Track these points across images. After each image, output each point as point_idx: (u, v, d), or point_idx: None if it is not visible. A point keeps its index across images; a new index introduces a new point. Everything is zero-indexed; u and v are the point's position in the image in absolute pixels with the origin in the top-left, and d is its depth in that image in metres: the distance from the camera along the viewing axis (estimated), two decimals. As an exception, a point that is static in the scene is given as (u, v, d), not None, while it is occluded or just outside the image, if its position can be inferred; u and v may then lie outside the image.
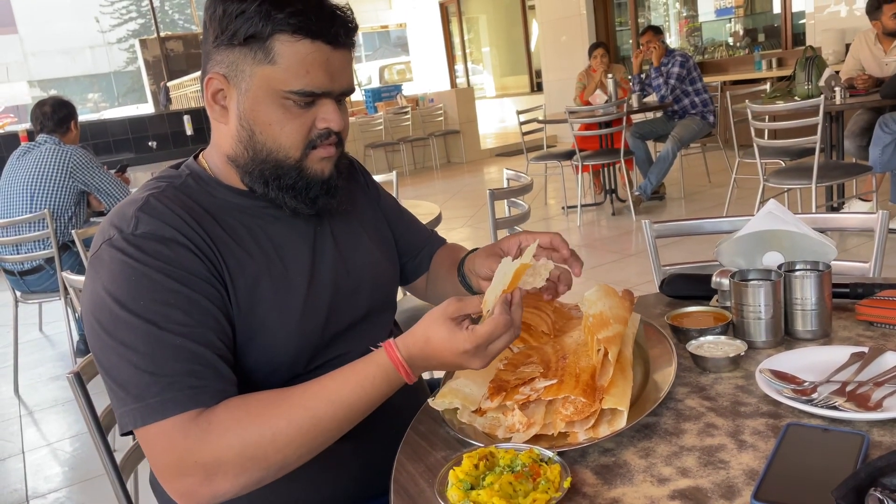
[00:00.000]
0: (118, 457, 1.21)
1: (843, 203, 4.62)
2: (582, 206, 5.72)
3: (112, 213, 0.98)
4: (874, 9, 4.53)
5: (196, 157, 1.09)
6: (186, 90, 9.99)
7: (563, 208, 6.13)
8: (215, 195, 1.03)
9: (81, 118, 3.86)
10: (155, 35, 11.84)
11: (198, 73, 8.89)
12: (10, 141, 6.41)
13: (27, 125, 7.51)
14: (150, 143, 7.40)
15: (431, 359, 0.89)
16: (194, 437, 0.85)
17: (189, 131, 7.54)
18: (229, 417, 0.86)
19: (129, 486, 1.32)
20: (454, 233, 5.90)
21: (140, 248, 0.92)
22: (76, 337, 3.74)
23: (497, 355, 0.89)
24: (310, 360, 1.05)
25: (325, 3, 0.97)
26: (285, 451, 0.87)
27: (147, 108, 12.62)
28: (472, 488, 0.76)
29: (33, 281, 3.54)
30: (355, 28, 1.01)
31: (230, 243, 0.99)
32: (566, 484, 0.76)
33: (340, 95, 1.01)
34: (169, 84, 10.84)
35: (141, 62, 12.59)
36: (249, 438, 0.85)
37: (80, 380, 1.17)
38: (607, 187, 5.95)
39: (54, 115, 3.60)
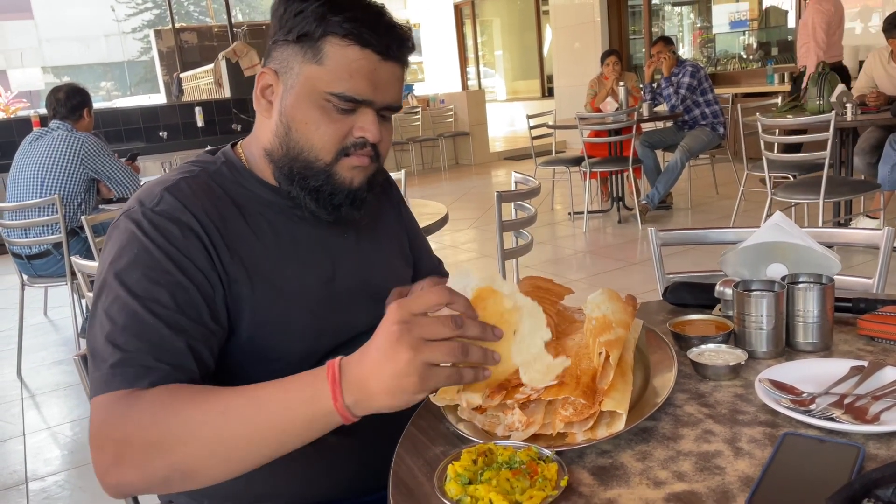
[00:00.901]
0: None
1: (851, 220, 4.62)
2: (588, 212, 5.73)
3: (141, 189, 1.01)
4: (891, 27, 4.54)
5: (234, 146, 1.10)
6: (199, 82, 10.02)
7: (569, 214, 6.14)
8: (246, 186, 1.04)
9: (94, 106, 3.89)
10: (170, 26, 11.89)
11: (210, 66, 8.92)
12: (23, 126, 6.46)
13: (40, 110, 7.55)
14: (161, 134, 7.44)
15: (364, 361, 0.77)
16: (117, 412, 0.82)
17: (200, 123, 7.58)
18: (154, 399, 0.83)
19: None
20: (460, 234, 5.92)
21: (153, 224, 0.93)
22: (81, 322, 3.76)
23: (432, 352, 0.74)
24: (317, 362, 1.05)
25: (384, 16, 0.98)
26: (190, 448, 0.79)
27: (159, 99, 12.67)
28: (470, 483, 0.77)
29: (41, 265, 3.57)
30: (411, 47, 1.01)
31: (249, 237, 1.00)
32: (563, 483, 0.77)
33: (384, 109, 1.00)
34: (182, 75, 10.88)
35: (155, 52, 12.64)
36: (159, 422, 0.80)
37: (86, 362, 1.18)
38: (614, 195, 5.95)
39: (67, 101, 3.63)
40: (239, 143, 1.10)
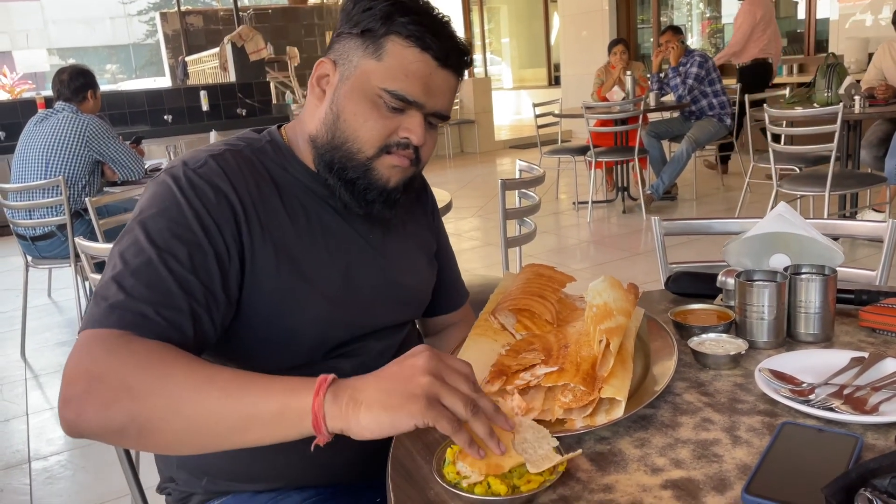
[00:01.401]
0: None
1: (856, 213, 4.60)
2: (593, 202, 5.72)
3: (187, 152, 1.03)
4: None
5: (279, 128, 1.11)
6: (204, 66, 10.00)
7: (573, 203, 6.13)
8: (286, 168, 1.06)
9: (99, 88, 3.89)
10: (175, 9, 11.85)
11: (215, 50, 8.90)
12: (28, 107, 6.46)
13: (45, 92, 7.55)
14: (165, 117, 7.44)
15: (370, 376, 0.77)
16: (104, 348, 0.81)
17: (205, 107, 7.57)
18: (145, 348, 0.82)
19: (131, 452, 1.35)
20: (464, 222, 5.91)
21: (191, 182, 0.95)
22: (85, 303, 3.77)
23: (449, 391, 0.74)
24: (329, 350, 1.06)
25: (448, 26, 1.01)
26: (158, 401, 0.77)
27: (164, 82, 12.65)
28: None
29: (45, 247, 3.58)
30: (468, 61, 1.04)
31: (283, 217, 1.01)
32: (560, 468, 0.77)
33: (433, 115, 1.01)
34: (187, 59, 10.86)
35: (160, 35, 12.60)
36: (141, 368, 0.79)
37: (88, 342, 1.19)
38: (619, 185, 5.94)
39: (71, 83, 3.63)
40: (283, 126, 1.12)
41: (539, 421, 0.90)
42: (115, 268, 0.89)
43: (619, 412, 0.88)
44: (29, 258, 3.66)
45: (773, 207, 4.05)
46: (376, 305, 1.10)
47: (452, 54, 1.00)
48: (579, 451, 0.80)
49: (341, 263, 1.05)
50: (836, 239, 1.26)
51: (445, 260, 1.30)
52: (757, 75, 6.45)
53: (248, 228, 0.97)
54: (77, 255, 3.26)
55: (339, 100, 1.00)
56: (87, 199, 2.92)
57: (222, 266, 0.94)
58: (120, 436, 0.79)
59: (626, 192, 5.91)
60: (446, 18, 1.02)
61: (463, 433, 0.74)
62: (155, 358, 0.80)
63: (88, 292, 3.75)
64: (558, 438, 0.83)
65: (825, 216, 3.96)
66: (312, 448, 0.76)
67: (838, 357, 1.00)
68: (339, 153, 1.01)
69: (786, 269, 1.14)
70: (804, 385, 0.94)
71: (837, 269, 1.14)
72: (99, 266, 2.15)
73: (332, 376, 0.77)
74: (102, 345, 0.81)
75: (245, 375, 0.79)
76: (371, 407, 0.73)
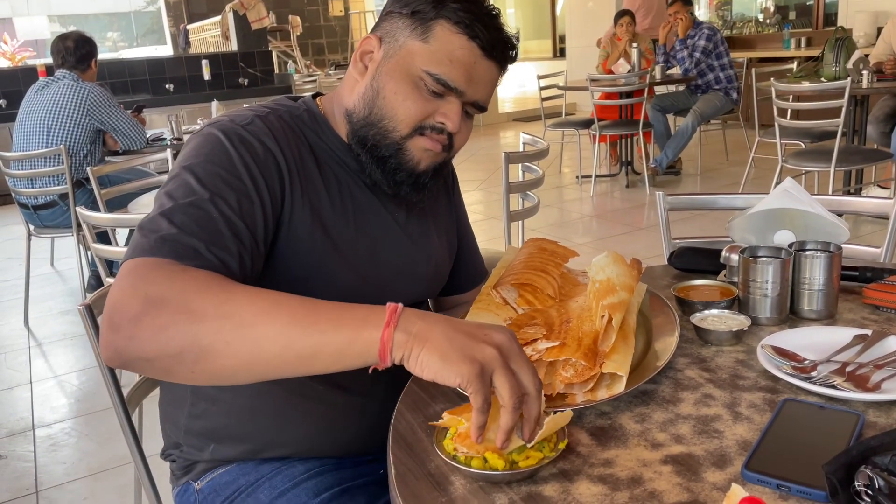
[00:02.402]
0: (125, 391, 1.24)
1: (861, 189, 4.58)
2: (596, 176, 5.69)
3: (231, 111, 1.03)
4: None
5: (313, 99, 1.11)
6: (206, 34, 9.89)
7: (577, 177, 6.10)
8: (322, 139, 1.06)
9: (101, 57, 3.85)
10: (177, -24, 11.69)
11: (217, 18, 8.79)
12: (29, 75, 6.40)
13: (46, 60, 7.48)
14: (167, 86, 7.38)
15: (441, 319, 0.75)
16: (163, 272, 0.79)
17: (207, 76, 7.51)
18: (207, 275, 0.80)
19: (135, 419, 1.36)
20: (467, 195, 5.88)
21: (240, 136, 0.96)
22: (87, 273, 3.78)
23: (504, 370, 0.73)
24: None
25: (497, 18, 1.01)
26: (226, 324, 0.74)
27: (166, 51, 12.52)
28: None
29: (47, 216, 3.57)
30: (514, 55, 1.04)
31: (319, 185, 1.02)
32: (561, 445, 0.77)
33: (471, 105, 1.02)
34: (189, 27, 10.74)
35: (161, 3, 12.44)
36: (207, 293, 0.77)
37: (90, 312, 1.19)
38: (623, 159, 5.90)
39: (77, 50, 3.59)
40: (319, 97, 1.12)
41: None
42: (163, 206, 0.88)
43: (620, 387, 0.88)
44: (31, 227, 3.65)
45: (777, 182, 4.01)
46: (396, 283, 1.11)
47: (499, 46, 1.00)
48: (569, 411, 0.78)
49: (367, 238, 1.06)
50: (840, 215, 1.25)
51: (465, 240, 1.31)
52: None
53: (291, 189, 0.98)
54: (79, 225, 3.27)
55: (381, 77, 1.01)
56: (88, 168, 2.91)
57: (266, 219, 0.94)
58: (175, 360, 0.75)
59: (629, 167, 5.87)
60: (496, 11, 1.02)
61: (484, 416, 0.73)
62: (216, 283, 0.79)
63: (91, 261, 3.76)
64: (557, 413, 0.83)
65: (830, 192, 3.94)
66: (371, 371, 0.75)
67: (841, 334, 1.00)
68: (374, 130, 1.01)
69: (790, 245, 1.13)
70: (806, 362, 0.93)
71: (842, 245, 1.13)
72: (101, 236, 2.15)
73: (400, 305, 0.75)
74: (158, 270, 0.80)
75: (311, 302, 0.77)
76: (432, 349, 0.72)
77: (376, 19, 1.08)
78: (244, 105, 5.14)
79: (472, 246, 1.33)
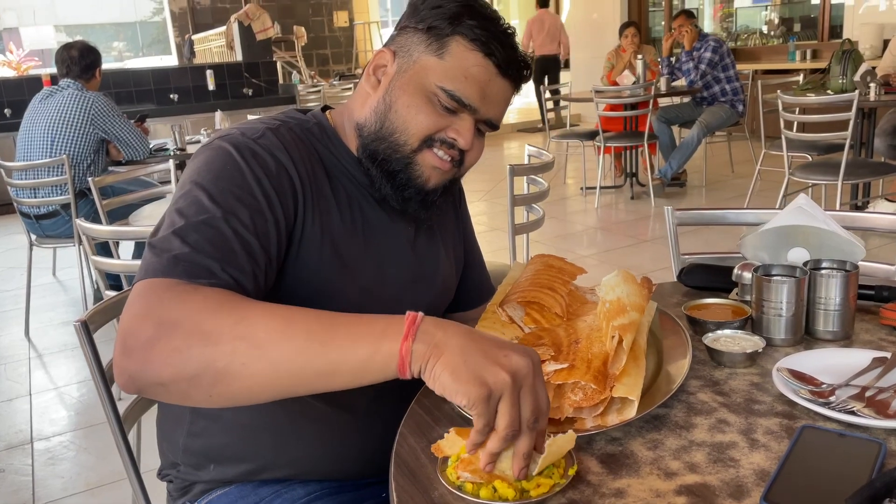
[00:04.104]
0: (121, 407, 1.21)
1: (868, 202, 4.54)
2: (601, 187, 5.67)
3: (240, 123, 1.00)
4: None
5: (323, 111, 1.09)
6: (211, 44, 9.92)
7: (581, 189, 6.07)
8: (333, 152, 1.04)
9: (106, 66, 3.85)
10: (182, -14, 11.75)
11: (222, 28, 8.82)
12: (34, 84, 6.41)
13: (51, 69, 7.50)
14: (171, 96, 7.39)
15: (458, 332, 0.72)
16: (175, 295, 0.77)
17: (211, 86, 7.52)
18: (220, 294, 0.79)
19: (132, 437, 1.33)
20: (471, 206, 5.82)
21: (251, 150, 0.93)
22: (88, 284, 3.75)
23: (511, 400, 0.70)
24: None
25: (513, 37, 1.01)
26: (241, 345, 0.73)
27: (171, 61, 12.57)
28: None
29: (49, 225, 3.56)
30: (528, 76, 1.04)
31: (330, 200, 1.00)
32: (571, 472, 0.74)
33: (484, 122, 1.01)
34: (193, 37, 10.78)
35: (167, 13, 12.49)
36: (221, 313, 0.75)
37: (86, 328, 1.17)
38: (628, 171, 5.88)
39: (82, 59, 3.58)
40: (329, 110, 1.10)
41: (549, 420, 0.87)
42: (175, 224, 0.85)
43: (631, 412, 0.85)
44: (33, 237, 3.64)
45: (784, 195, 3.97)
46: (402, 300, 1.08)
47: (514, 65, 0.99)
48: (571, 432, 0.75)
49: (375, 255, 1.04)
50: (849, 230, 1.22)
51: (471, 255, 1.29)
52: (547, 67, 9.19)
53: (304, 204, 0.96)
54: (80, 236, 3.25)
55: (394, 91, 0.99)
56: (90, 178, 2.89)
57: (279, 235, 0.92)
58: (192, 384, 0.73)
59: (634, 178, 5.85)
60: (512, 30, 1.01)
61: (482, 437, 0.71)
62: (229, 302, 0.77)
63: (91, 273, 3.74)
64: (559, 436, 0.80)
65: (838, 206, 3.91)
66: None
67: (859, 357, 0.97)
68: (385, 144, 1.00)
69: (805, 263, 1.10)
70: (824, 386, 0.90)
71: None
72: (101, 247, 2.12)
73: (419, 315, 0.73)
74: (170, 291, 0.78)
75: (328, 316, 0.75)
76: (445, 363, 0.70)
77: (381, 30, 1.07)
78: (248, 115, 5.13)
79: (479, 261, 1.31)
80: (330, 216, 0.99)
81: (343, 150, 1.05)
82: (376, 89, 1.02)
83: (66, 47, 3.63)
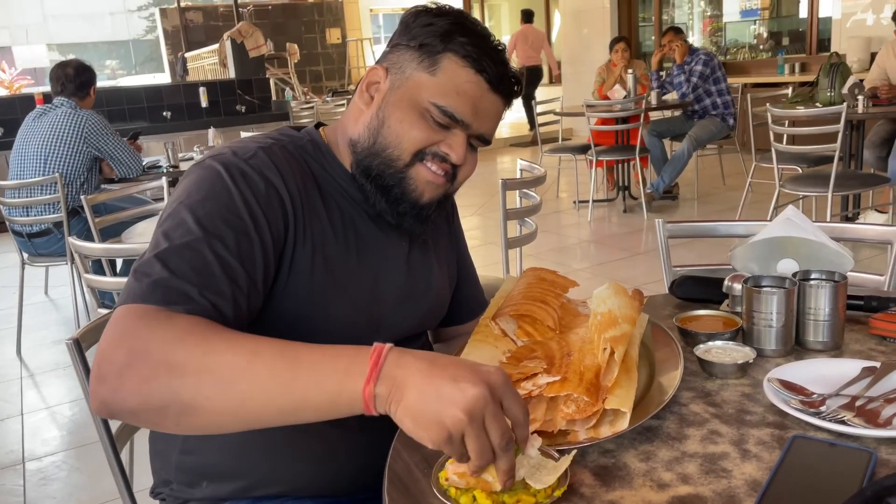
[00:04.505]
0: (114, 426, 1.21)
1: (859, 214, 4.57)
2: (594, 201, 5.69)
3: (234, 142, 1.01)
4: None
5: (316, 128, 1.10)
6: (203, 62, 9.95)
7: (574, 202, 6.10)
8: (327, 169, 1.05)
9: (99, 84, 3.86)
10: (175, 4, 11.80)
11: (215, 46, 8.84)
12: (27, 103, 6.41)
13: (44, 88, 7.50)
14: (164, 114, 7.40)
15: (418, 370, 0.71)
16: (146, 323, 0.78)
17: (204, 103, 7.53)
18: (188, 323, 0.79)
19: (124, 455, 1.32)
20: (464, 221, 5.83)
21: (241, 171, 0.94)
22: (81, 302, 3.74)
23: (478, 436, 0.70)
24: None
25: (503, 53, 1.02)
26: (205, 379, 0.73)
27: (164, 78, 12.60)
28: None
29: (41, 243, 3.55)
30: (518, 91, 1.05)
31: (323, 218, 1.00)
32: (558, 493, 0.74)
33: (476, 138, 1.02)
34: (186, 55, 10.82)
35: (160, 31, 12.56)
36: (186, 345, 0.76)
37: (78, 347, 1.17)
38: (620, 184, 5.90)
39: (77, 78, 3.58)
40: (322, 127, 1.11)
41: (541, 433, 0.87)
42: (159, 246, 0.86)
43: (623, 424, 0.85)
44: (25, 255, 3.63)
45: (775, 207, 3.99)
46: (397, 316, 1.09)
47: (505, 80, 1.01)
48: (573, 452, 0.76)
49: (369, 272, 1.05)
50: (837, 241, 1.23)
51: (464, 269, 1.29)
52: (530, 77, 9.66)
53: (294, 224, 0.96)
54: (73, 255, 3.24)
55: (387, 107, 1.00)
56: (82, 196, 2.89)
57: (266, 258, 0.92)
58: (159, 414, 0.75)
59: (626, 192, 5.88)
60: (502, 46, 1.03)
61: (462, 463, 0.72)
62: (198, 333, 0.77)
63: (84, 291, 3.72)
64: (560, 451, 0.80)
65: (828, 217, 3.93)
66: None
67: (849, 367, 0.98)
68: (378, 159, 1.01)
69: (794, 274, 1.11)
70: (814, 396, 0.91)
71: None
72: (94, 265, 2.12)
73: (384, 351, 0.72)
74: (143, 319, 0.79)
75: (293, 351, 0.75)
76: (405, 410, 0.70)
77: (373, 46, 1.08)
78: (242, 132, 5.14)
79: (472, 275, 1.31)
80: (323, 234, 1.00)
81: (337, 167, 1.06)
82: (369, 106, 1.03)
83: (62, 65, 3.64)
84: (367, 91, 1.04)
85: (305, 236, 0.97)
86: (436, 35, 0.98)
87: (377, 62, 1.05)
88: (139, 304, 0.80)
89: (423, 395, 0.70)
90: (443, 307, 1.21)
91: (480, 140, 1.03)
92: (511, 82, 1.02)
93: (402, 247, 1.10)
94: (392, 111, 1.00)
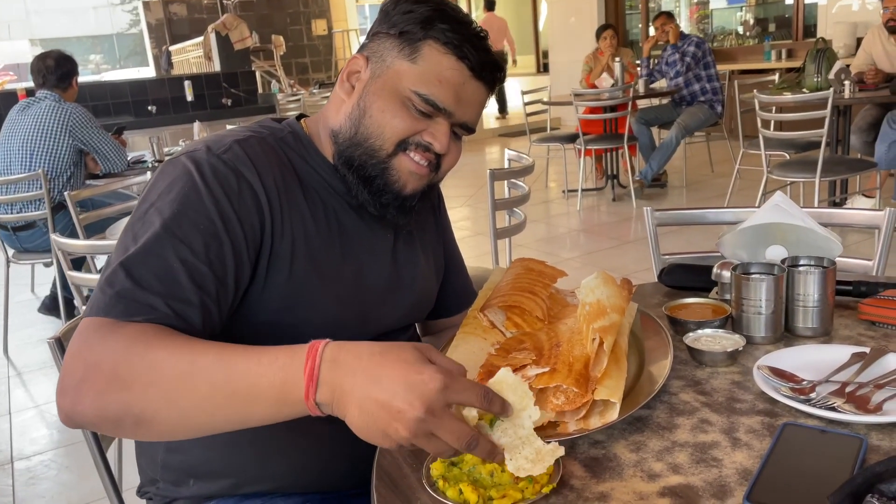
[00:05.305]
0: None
1: (846, 199, 4.59)
2: (583, 190, 5.69)
3: (210, 137, 0.99)
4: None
5: (298, 120, 1.08)
6: (188, 55, 9.86)
7: (563, 192, 6.09)
8: (308, 161, 1.03)
9: (83, 79, 3.81)
10: (159, -2, 11.67)
11: (200, 39, 8.76)
12: (9, 99, 6.32)
13: (27, 83, 7.41)
14: (149, 108, 7.32)
15: (359, 368, 0.71)
16: (100, 337, 0.78)
17: (190, 97, 7.45)
18: (134, 333, 0.78)
19: (112, 454, 1.31)
20: (453, 212, 5.87)
21: (213, 168, 0.92)
22: (58, 294, 3.69)
23: (445, 427, 0.69)
24: None
25: (485, 40, 1.00)
26: (151, 392, 0.74)
27: (148, 72, 12.48)
28: (454, 465, 0.76)
29: (26, 237, 3.50)
30: (502, 77, 1.03)
31: (304, 211, 0.99)
32: (546, 489, 0.73)
33: (459, 126, 1.00)
34: (171, 49, 10.71)
35: (143, 25, 12.42)
36: (130, 356, 0.76)
37: (60, 345, 1.15)
38: (609, 173, 5.90)
39: (58, 69, 3.53)
40: (304, 119, 1.09)
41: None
42: (127, 250, 0.85)
43: (613, 414, 0.85)
44: (10, 252, 3.58)
45: (763, 193, 3.99)
46: (383, 309, 1.08)
47: (487, 67, 0.99)
48: (561, 449, 0.73)
49: (353, 264, 1.03)
50: (825, 227, 1.23)
51: (452, 261, 1.28)
52: None
53: (271, 220, 0.94)
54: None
55: (368, 96, 0.99)
56: (66, 192, 2.85)
57: (238, 258, 0.91)
58: (117, 426, 0.77)
59: (615, 180, 5.88)
60: (484, 33, 1.01)
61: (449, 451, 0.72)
62: (141, 345, 0.77)
63: (52, 283, 3.68)
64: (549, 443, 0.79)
65: (816, 203, 3.94)
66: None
67: (838, 352, 0.97)
68: (360, 150, 0.99)
69: (783, 261, 1.11)
70: (804, 383, 0.90)
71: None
72: (76, 262, 2.10)
73: (318, 358, 0.72)
74: (98, 331, 0.79)
75: (227, 359, 0.75)
76: (351, 421, 0.71)
77: (360, 38, 1.06)
78: (227, 126, 5.11)
79: (460, 266, 1.30)
80: (304, 226, 0.98)
81: (318, 158, 1.04)
82: (350, 95, 1.01)
83: (42, 57, 3.58)
84: (347, 80, 1.02)
85: (284, 230, 0.96)
86: (416, 22, 0.97)
87: (358, 51, 1.04)
88: (99, 318, 0.80)
89: (363, 412, 0.70)
90: (430, 299, 1.20)
91: (464, 128, 1.01)
92: (493, 69, 1.00)
93: (387, 238, 1.09)
94: (373, 100, 0.98)
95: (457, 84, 0.97)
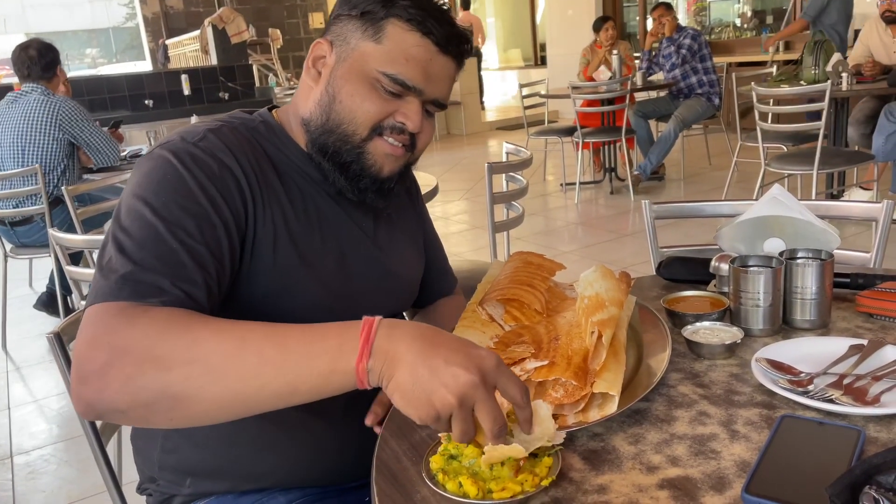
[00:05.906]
0: (98, 421, 1.19)
1: (843, 191, 4.59)
2: (581, 183, 5.68)
3: (183, 128, 0.98)
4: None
5: (270, 111, 1.07)
6: (185, 49, 9.82)
7: (561, 185, 6.09)
8: (281, 149, 1.02)
9: (79, 73, 3.78)
10: (155, -9, 11.61)
11: (196, 33, 8.71)
12: (5, 93, 6.29)
13: (22, 78, 7.37)
14: (146, 102, 7.30)
15: (414, 341, 0.72)
16: (124, 320, 0.76)
17: (186, 91, 7.44)
18: (167, 315, 0.77)
19: (112, 449, 1.31)
20: (451, 206, 5.86)
21: (192, 156, 0.91)
22: (57, 290, 3.69)
23: (486, 405, 0.71)
24: None
25: (449, 13, 0.99)
26: (194, 370, 0.72)
27: (145, 66, 12.43)
28: (454, 458, 0.76)
29: (24, 232, 3.49)
30: (469, 49, 1.02)
31: (282, 197, 0.98)
32: (545, 482, 0.73)
33: (431, 103, 0.99)
34: (168, 42, 10.67)
35: (140, 18, 12.36)
36: (169, 337, 0.74)
37: (60, 340, 1.15)
38: (607, 166, 5.90)
39: (41, 59, 3.43)
40: (275, 109, 1.08)
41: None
42: (120, 241, 0.84)
43: (612, 407, 0.85)
44: (8, 247, 3.57)
45: (761, 186, 3.99)
46: (368, 295, 1.07)
47: (453, 41, 0.98)
48: (560, 440, 0.76)
49: (335, 250, 1.03)
50: (823, 219, 1.23)
51: (432, 248, 1.27)
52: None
53: (253, 202, 0.94)
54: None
55: (336, 81, 0.97)
56: (64, 187, 2.84)
57: (230, 239, 0.90)
58: (149, 410, 0.73)
59: (613, 173, 5.87)
60: (446, 6, 1.00)
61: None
62: (180, 324, 0.75)
63: (50, 278, 3.67)
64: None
65: (813, 195, 3.95)
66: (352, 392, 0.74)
67: (836, 345, 0.98)
68: (334, 136, 0.98)
69: (781, 253, 1.11)
70: (802, 375, 0.91)
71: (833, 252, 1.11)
72: (74, 257, 2.10)
73: (374, 325, 0.72)
74: (119, 316, 0.76)
75: (281, 334, 0.74)
76: (397, 385, 0.71)
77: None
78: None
79: (441, 253, 1.30)
80: (284, 213, 0.97)
81: (292, 147, 1.03)
82: (318, 82, 1.00)
83: (23, 47, 3.47)
84: (313, 67, 1.01)
85: (265, 215, 0.95)
86: (377, 1, 0.95)
87: (322, 36, 1.02)
88: (111, 302, 0.78)
89: (414, 374, 0.70)
90: (414, 286, 1.20)
91: (436, 105, 1.00)
92: (460, 41, 0.99)
93: (368, 225, 1.08)
94: (341, 85, 0.97)
95: (424, 61, 0.95)
